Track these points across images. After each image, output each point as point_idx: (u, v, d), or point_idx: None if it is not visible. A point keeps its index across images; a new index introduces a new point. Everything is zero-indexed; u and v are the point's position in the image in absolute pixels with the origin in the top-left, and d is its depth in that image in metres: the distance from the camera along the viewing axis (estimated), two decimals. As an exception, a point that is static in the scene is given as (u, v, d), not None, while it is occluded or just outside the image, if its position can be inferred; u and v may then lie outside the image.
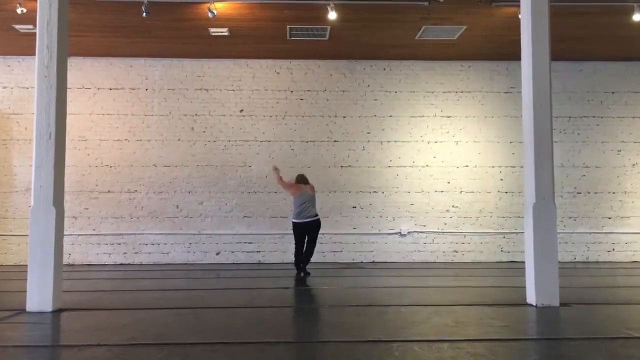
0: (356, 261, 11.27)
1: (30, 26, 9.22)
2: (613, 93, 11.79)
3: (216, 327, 4.73)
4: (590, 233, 11.56)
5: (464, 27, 9.78)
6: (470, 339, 4.20)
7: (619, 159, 11.72)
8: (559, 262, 5.95)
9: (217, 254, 11.26)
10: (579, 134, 11.74)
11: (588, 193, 11.66)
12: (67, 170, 6.34)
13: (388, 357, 3.65)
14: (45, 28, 5.71)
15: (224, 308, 5.83)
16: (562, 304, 5.67)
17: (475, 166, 11.61)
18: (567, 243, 11.33)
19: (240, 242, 11.30)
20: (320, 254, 11.22)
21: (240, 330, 4.64)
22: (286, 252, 10.87)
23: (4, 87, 11.38)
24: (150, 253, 11.22)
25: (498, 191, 11.59)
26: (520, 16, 6.30)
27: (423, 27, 9.81)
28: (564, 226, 11.25)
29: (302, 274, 8.67)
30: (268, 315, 5.41)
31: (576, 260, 11.42)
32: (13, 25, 9.61)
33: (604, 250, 11.54)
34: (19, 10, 8.50)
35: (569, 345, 4.13)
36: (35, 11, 5.79)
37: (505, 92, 11.73)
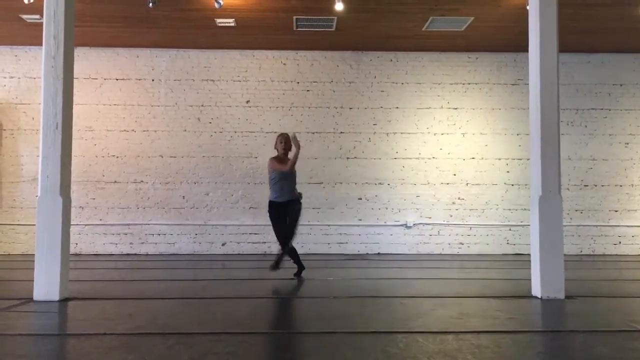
0: (361, 253, 11.28)
1: (37, 16, 9.23)
2: (621, 85, 11.70)
3: (221, 318, 4.75)
4: (596, 226, 11.52)
5: (472, 18, 9.72)
6: (474, 331, 4.21)
7: (627, 151, 11.65)
8: (565, 254, 5.93)
9: (223, 244, 11.30)
10: (586, 126, 11.68)
11: (595, 186, 11.61)
12: (73, 161, 6.35)
13: (392, 348, 3.66)
14: (52, 18, 5.71)
15: (230, 298, 5.84)
16: (567, 297, 5.67)
17: (482, 158, 11.58)
18: (573, 236, 11.29)
19: (246, 233, 11.32)
20: (326, 245, 11.29)
21: (245, 320, 4.66)
22: (292, 243, 10.87)
23: (11, 77, 11.41)
24: (156, 243, 11.26)
25: (504, 183, 11.55)
26: (528, 7, 6.25)
27: (430, 19, 9.75)
28: (571, 219, 11.22)
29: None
30: (273, 306, 5.43)
31: (582, 253, 11.39)
32: (20, 15, 9.62)
33: (610, 243, 11.51)
34: (25, 0, 8.50)
35: (574, 338, 4.13)
36: (42, 1, 5.78)
37: (513, 84, 11.67)
